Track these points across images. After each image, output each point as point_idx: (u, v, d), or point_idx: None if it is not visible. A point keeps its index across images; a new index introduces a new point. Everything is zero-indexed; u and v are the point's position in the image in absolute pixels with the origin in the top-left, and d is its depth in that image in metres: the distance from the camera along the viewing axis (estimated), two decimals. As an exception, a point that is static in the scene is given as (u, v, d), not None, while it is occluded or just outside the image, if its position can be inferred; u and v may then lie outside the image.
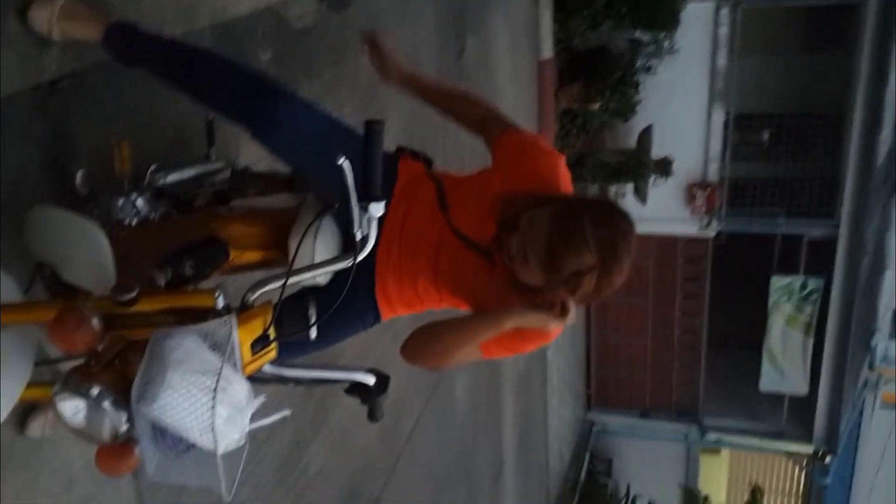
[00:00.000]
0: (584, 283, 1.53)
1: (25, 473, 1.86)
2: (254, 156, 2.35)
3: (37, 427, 1.85)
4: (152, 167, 1.99)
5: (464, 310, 1.84)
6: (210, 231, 1.88)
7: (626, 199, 9.30)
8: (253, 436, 2.83)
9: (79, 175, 1.78)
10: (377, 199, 1.44)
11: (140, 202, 1.86)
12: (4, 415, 1.30)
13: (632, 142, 9.18)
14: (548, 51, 7.63)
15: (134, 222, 1.84)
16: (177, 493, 2.39)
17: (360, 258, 1.46)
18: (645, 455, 11.38)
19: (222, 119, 1.88)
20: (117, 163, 1.88)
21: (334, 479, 3.57)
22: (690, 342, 10.86)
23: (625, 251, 1.56)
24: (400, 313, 1.92)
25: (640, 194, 9.27)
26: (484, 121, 1.87)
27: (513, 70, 6.53)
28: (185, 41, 1.92)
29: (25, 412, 1.84)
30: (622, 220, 1.60)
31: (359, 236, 1.44)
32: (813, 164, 9.37)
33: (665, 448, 11.31)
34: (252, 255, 1.99)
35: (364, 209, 1.43)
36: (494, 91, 6.05)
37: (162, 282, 1.58)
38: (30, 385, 1.36)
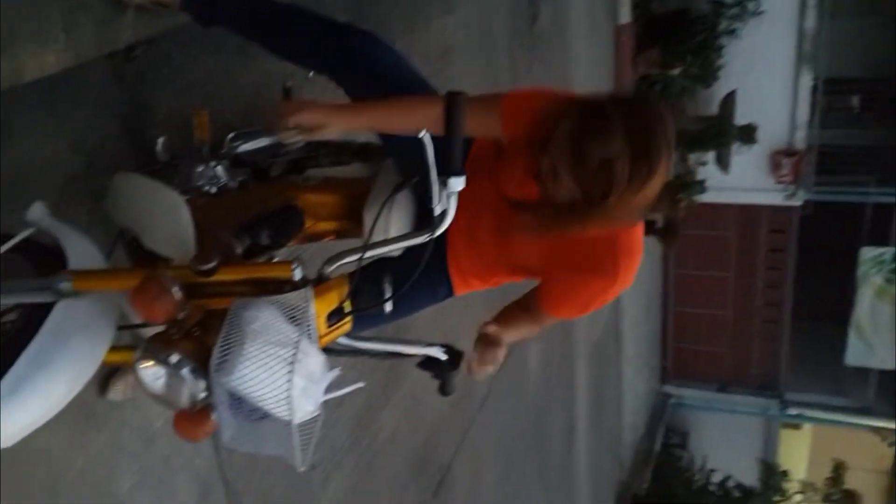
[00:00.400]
0: (616, 172, 1.37)
1: (107, 432, 1.95)
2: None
3: (118, 390, 1.93)
4: (230, 135, 2.03)
5: (537, 281, 1.83)
6: (286, 200, 1.91)
7: (708, 167, 9.06)
8: (328, 399, 2.91)
9: (159, 142, 1.83)
10: (458, 174, 1.39)
11: (219, 170, 1.90)
12: (88, 377, 1.36)
13: (714, 108, 8.89)
14: (625, 15, 7.43)
15: (213, 190, 1.89)
16: (253, 455, 2.48)
17: (437, 233, 1.44)
18: (723, 429, 11.17)
19: (305, 66, 1.88)
20: (196, 131, 1.92)
21: (406, 444, 3.63)
22: (773, 314, 10.56)
23: (660, 133, 1.40)
24: (474, 287, 1.91)
25: (723, 163, 9.00)
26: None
27: (588, 36, 6.39)
28: None
29: (107, 375, 1.92)
30: (654, 105, 1.46)
31: (437, 211, 1.41)
32: (907, 133, 8.92)
33: (744, 422, 11.08)
34: (326, 225, 2.02)
35: (444, 183, 1.39)
36: (569, 59, 5.93)
37: (239, 250, 1.63)
38: (112, 349, 1.41)
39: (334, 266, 1.45)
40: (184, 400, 1.29)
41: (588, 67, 6.47)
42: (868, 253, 9.44)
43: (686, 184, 8.77)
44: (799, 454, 12.41)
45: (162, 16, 1.91)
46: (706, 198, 9.04)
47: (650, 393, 10.81)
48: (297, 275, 1.37)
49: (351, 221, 1.97)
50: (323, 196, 2.00)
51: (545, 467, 6.03)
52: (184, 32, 2.09)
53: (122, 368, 1.92)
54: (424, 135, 1.34)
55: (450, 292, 1.91)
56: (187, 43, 2.12)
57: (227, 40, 2.24)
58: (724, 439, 11.00)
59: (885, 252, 9.27)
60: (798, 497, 10.55)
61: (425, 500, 3.87)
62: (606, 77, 7.23)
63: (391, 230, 1.78)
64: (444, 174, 1.38)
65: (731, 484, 9.62)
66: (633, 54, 7.71)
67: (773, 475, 10.09)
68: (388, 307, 1.62)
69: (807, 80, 8.88)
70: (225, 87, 2.27)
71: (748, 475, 9.92)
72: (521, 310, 1.88)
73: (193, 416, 1.32)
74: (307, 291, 1.33)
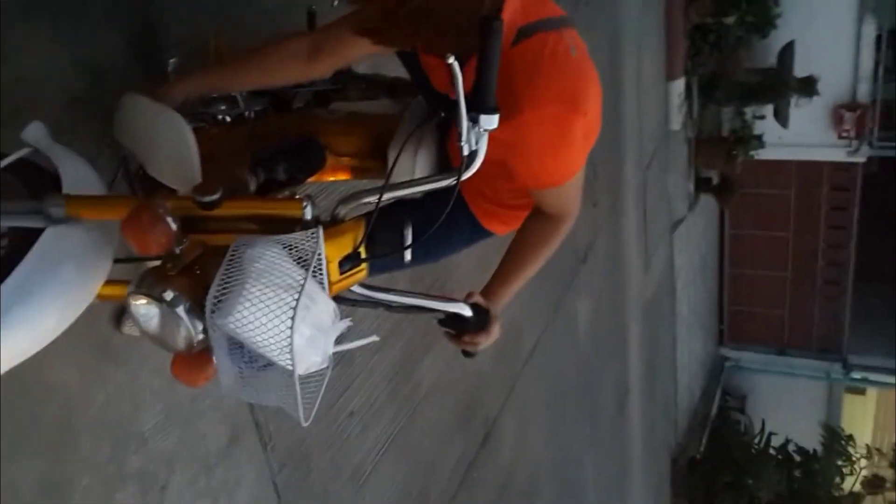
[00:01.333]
0: None
1: (127, 369, 1.89)
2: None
3: (132, 325, 1.86)
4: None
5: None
6: (307, 134, 1.81)
7: (766, 122, 8.73)
8: (364, 347, 2.84)
9: (170, 64, 1.75)
10: (490, 111, 1.22)
11: (236, 97, 1.82)
12: (81, 309, 1.29)
13: (771, 60, 8.55)
14: (677, -38, 7.14)
15: (228, 119, 1.80)
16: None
17: (466, 176, 1.28)
18: (782, 393, 10.90)
19: None
20: (212, 56, 1.84)
21: (448, 395, 3.55)
22: (835, 275, 10.23)
23: None
24: (499, 217, 1.73)
25: (781, 117, 8.67)
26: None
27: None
28: None
29: (122, 309, 1.85)
30: None
31: (466, 151, 1.24)
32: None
33: (805, 386, 10.80)
34: (349, 163, 1.91)
35: (475, 121, 1.22)
36: (618, 5, 5.71)
37: (253, 185, 1.52)
38: (109, 283, 1.34)
39: (350, 207, 1.33)
40: (180, 341, 1.21)
41: (638, 13, 6.23)
42: (934, 211, 9.04)
43: (742, 138, 8.47)
44: (863, 419, 12.05)
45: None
46: (764, 154, 8.74)
47: (706, 355, 10.59)
48: (309, 213, 1.26)
49: (376, 160, 1.84)
50: (348, 132, 1.88)
51: (597, 426, 5.92)
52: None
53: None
54: (453, 61, 1.20)
55: (478, 227, 1.74)
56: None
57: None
58: (783, 403, 10.74)
59: (953, 209, 8.84)
60: (864, 462, 10.22)
61: (472, 452, 3.79)
62: (657, 25, 6.96)
63: (416, 171, 1.66)
64: (475, 110, 1.22)
65: (791, 448, 9.36)
66: (685, 2, 7.41)
67: (837, 439, 9.79)
68: (409, 256, 1.51)
69: (870, 31, 8.48)
70: (244, 7, 2.17)
71: (809, 440, 9.65)
72: (519, 243, 1.69)
73: (192, 359, 1.24)
74: (318, 232, 1.22)
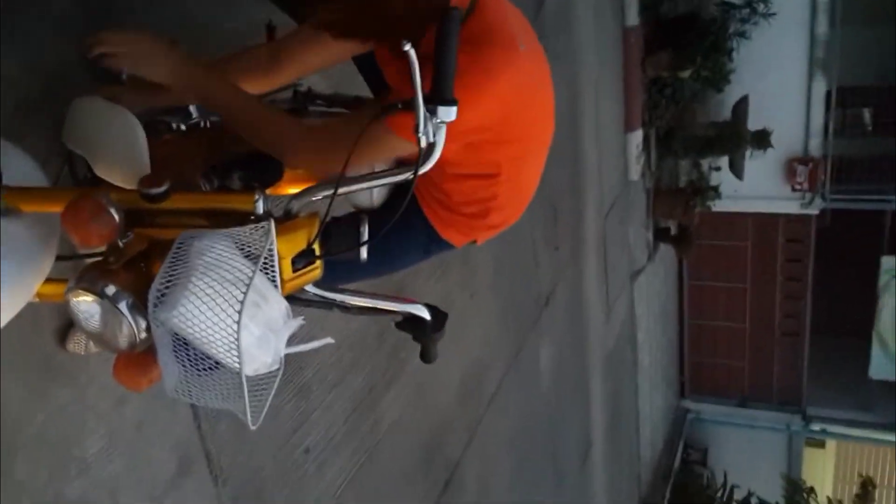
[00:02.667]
0: None
1: (71, 388, 1.79)
2: (318, 76, 2.24)
3: (77, 342, 1.77)
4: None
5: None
6: None
7: (722, 174, 8.92)
8: (322, 378, 2.75)
9: (123, 70, 1.70)
10: (448, 102, 1.18)
11: (191, 106, 1.77)
12: (18, 308, 1.21)
13: (725, 113, 8.78)
14: (634, 16, 7.33)
15: (182, 127, 1.75)
16: (240, 424, 2.32)
17: (423, 170, 1.24)
18: (743, 445, 10.89)
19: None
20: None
21: (410, 434, 3.45)
22: (793, 327, 10.35)
23: None
24: (455, 226, 1.67)
25: (736, 169, 8.88)
26: None
27: (596, 34, 6.28)
28: None
29: (67, 325, 1.76)
30: None
31: (423, 143, 1.20)
32: (925, 139, 8.78)
33: (766, 438, 10.80)
34: (307, 174, 1.87)
35: (432, 112, 1.18)
36: (575, 55, 5.83)
37: (205, 190, 1.48)
38: (51, 281, 1.27)
39: (304, 202, 1.29)
40: (122, 339, 1.14)
41: (598, 67, 6.36)
42: (889, 262, 9.27)
43: (699, 190, 8.63)
44: (823, 471, 12.06)
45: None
46: (721, 206, 8.91)
47: (668, 407, 10.57)
48: (260, 207, 1.21)
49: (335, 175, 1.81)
50: None
51: (559, 476, 5.82)
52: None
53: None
54: (409, 48, 1.17)
55: (434, 235, 1.67)
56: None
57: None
58: (745, 455, 10.72)
59: (906, 259, 9.04)
60: (824, 513, 10.23)
61: (433, 498, 3.68)
62: (615, 77, 7.12)
63: (375, 167, 1.62)
64: (433, 101, 1.19)
65: (754, 501, 9.33)
66: (642, 56, 7.61)
67: (798, 492, 9.79)
68: (365, 253, 1.47)
69: (820, 87, 8.78)
70: (205, 29, 2.14)
71: (772, 492, 9.62)
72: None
73: (135, 361, 1.17)
74: (270, 225, 1.17)
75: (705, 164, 8.78)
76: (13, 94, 1.65)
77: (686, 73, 7.79)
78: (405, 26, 1.30)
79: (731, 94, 8.56)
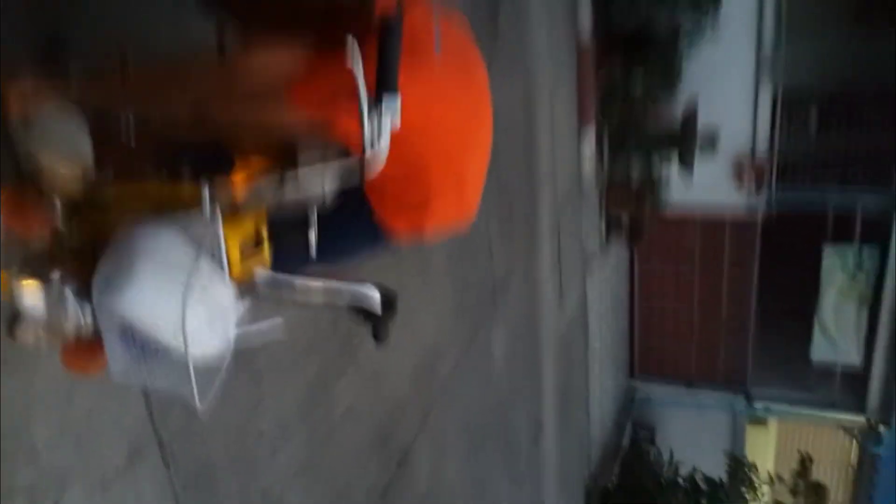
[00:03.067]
0: None
1: (18, 378, 1.78)
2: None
3: (26, 331, 1.76)
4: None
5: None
6: (217, 137, 1.78)
7: (672, 169, 9.12)
8: (275, 365, 2.77)
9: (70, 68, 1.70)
10: (390, 91, 1.21)
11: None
12: None
13: (676, 115, 8.98)
14: (586, 30, 7.47)
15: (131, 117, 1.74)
16: (193, 412, 2.34)
17: (369, 155, 1.28)
18: (690, 425, 11.19)
19: None
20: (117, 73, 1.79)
21: (363, 421, 3.50)
22: (738, 312, 10.63)
23: None
24: (407, 220, 1.72)
25: (686, 165, 9.08)
26: None
27: (549, 35, 6.36)
28: None
29: (15, 314, 1.76)
30: None
31: (367, 133, 1.24)
32: (866, 138, 9.11)
33: (711, 417, 11.11)
34: (259, 165, 1.88)
35: (376, 101, 1.22)
36: (530, 57, 5.89)
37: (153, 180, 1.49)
38: None
39: (252, 191, 1.31)
40: (68, 325, 1.15)
41: (552, 65, 6.45)
42: (832, 252, 9.59)
43: (650, 183, 8.82)
44: (766, 449, 12.47)
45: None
46: (669, 200, 9.13)
47: (618, 389, 10.79)
48: (206, 195, 1.23)
49: (289, 165, 1.83)
50: (258, 136, 1.87)
51: (511, 457, 5.93)
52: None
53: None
54: (354, 44, 1.21)
55: (377, 226, 1.68)
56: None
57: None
58: (691, 435, 11.02)
59: (848, 251, 9.44)
60: (766, 489, 10.58)
61: (386, 478, 3.74)
62: (570, 75, 7.24)
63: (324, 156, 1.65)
64: (378, 90, 1.22)
65: (698, 477, 9.62)
66: (595, 64, 7.75)
67: (740, 468, 10.13)
68: (312, 238, 1.49)
69: (767, 90, 9.05)
70: (151, 44, 2.13)
71: (716, 469, 9.94)
72: None
73: (82, 347, 1.19)
74: (215, 210, 1.19)
75: (656, 159, 8.95)
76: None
77: (637, 77, 8.00)
78: (329, 20, 1.37)
79: (682, 96, 8.79)
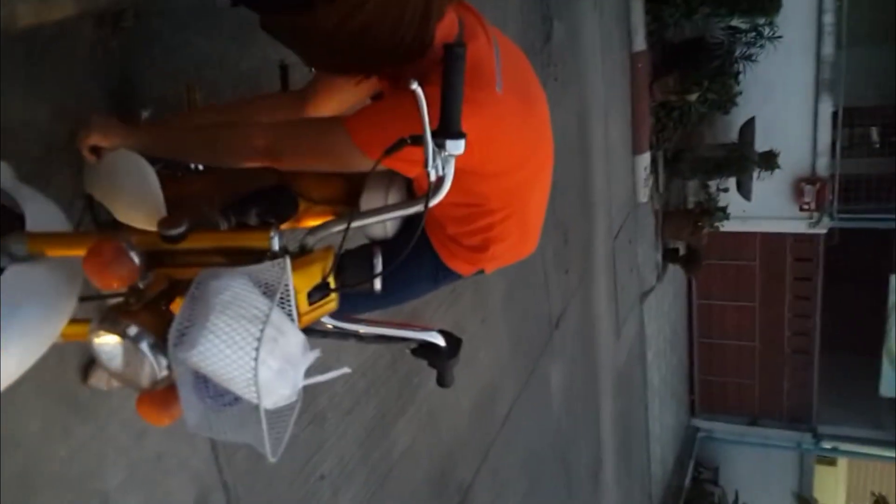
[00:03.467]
0: None
1: (93, 423, 1.83)
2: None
3: (100, 377, 1.81)
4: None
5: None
6: (280, 180, 1.82)
7: (730, 194, 8.96)
8: (336, 406, 2.79)
9: (143, 115, 1.76)
10: (456, 136, 1.22)
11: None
12: (42, 350, 1.25)
13: (733, 135, 8.83)
14: (640, 42, 7.39)
15: (200, 167, 1.80)
16: (257, 454, 2.36)
17: (433, 202, 1.27)
18: (754, 463, 10.85)
19: None
20: (185, 106, 1.86)
21: (422, 459, 3.48)
22: (802, 345, 10.34)
23: None
24: (458, 255, 1.71)
25: (744, 190, 8.91)
26: None
27: (603, 60, 6.35)
28: None
29: (90, 361, 1.81)
30: None
31: (432, 177, 1.24)
32: (933, 157, 8.83)
33: (776, 456, 10.76)
34: (323, 209, 1.92)
35: (440, 146, 1.22)
36: (583, 80, 5.89)
37: (224, 228, 1.52)
38: (74, 322, 1.30)
39: (318, 236, 1.32)
40: (144, 378, 1.17)
41: (605, 91, 6.42)
42: (898, 281, 9.27)
43: (707, 211, 8.66)
44: (836, 490, 12.00)
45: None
46: (729, 226, 8.92)
47: (679, 426, 10.54)
48: (276, 244, 1.24)
49: (350, 207, 1.86)
50: (322, 178, 1.89)
51: (570, 495, 5.82)
52: (177, 12, 2.05)
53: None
54: (416, 87, 1.22)
55: (441, 266, 1.72)
56: (182, 23, 2.06)
57: (225, 24, 2.20)
58: (756, 474, 10.68)
59: (917, 278, 9.07)
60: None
61: (445, 521, 3.71)
62: (623, 101, 7.18)
63: (389, 198, 1.67)
64: (441, 136, 1.23)
65: (765, 520, 9.30)
66: (649, 80, 7.67)
67: (810, 510, 9.76)
68: (378, 285, 1.50)
69: (827, 107, 8.82)
70: (219, 70, 2.20)
71: (783, 511, 9.60)
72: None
73: (157, 398, 1.20)
74: (285, 261, 1.20)
75: (713, 185, 8.80)
76: (41, 140, 1.70)
77: (693, 97, 7.83)
78: (391, 61, 1.40)
79: (739, 116, 8.60)
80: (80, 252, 1.18)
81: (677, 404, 10.41)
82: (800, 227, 9.41)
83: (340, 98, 1.72)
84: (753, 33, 8.17)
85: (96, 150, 1.49)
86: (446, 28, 1.43)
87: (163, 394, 1.19)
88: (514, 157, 1.52)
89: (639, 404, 8.26)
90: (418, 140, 1.23)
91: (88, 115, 1.51)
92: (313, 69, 1.75)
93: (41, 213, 1.29)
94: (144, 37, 1.95)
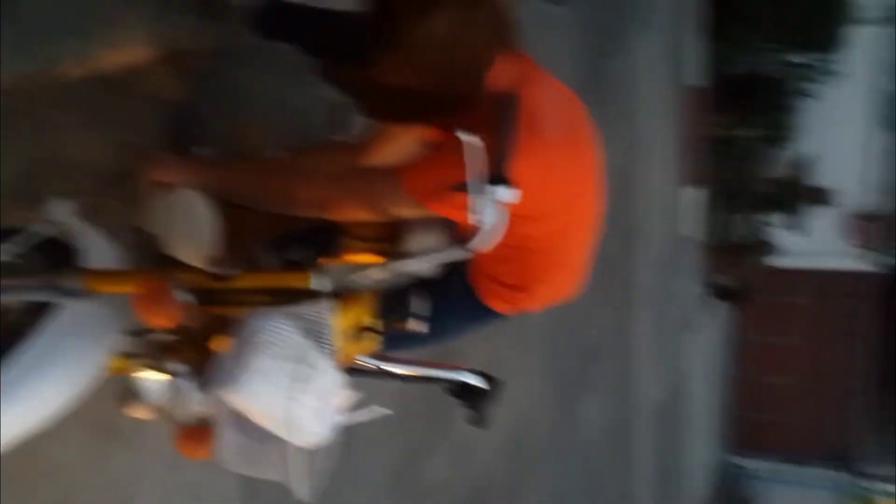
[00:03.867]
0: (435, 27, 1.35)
1: (129, 452, 1.88)
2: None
3: (137, 406, 1.86)
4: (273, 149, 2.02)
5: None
6: (324, 219, 1.86)
7: (781, 230, 8.82)
8: (367, 439, 2.80)
9: (202, 151, 1.81)
10: (505, 185, 1.21)
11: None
12: (88, 383, 1.29)
13: (786, 170, 8.70)
14: (693, 76, 7.35)
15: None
16: (283, 490, 2.39)
17: (477, 248, 1.28)
18: (794, 502, 10.59)
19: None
20: (240, 143, 1.91)
21: (453, 493, 3.48)
22: (847, 384, 10.09)
23: None
24: (500, 295, 1.71)
25: (796, 226, 8.77)
26: None
27: (654, 93, 6.32)
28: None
29: (128, 390, 1.86)
30: None
31: (478, 224, 1.23)
32: None
33: (816, 495, 10.49)
34: (367, 247, 1.95)
35: (488, 194, 1.22)
36: (635, 113, 5.87)
37: (267, 264, 1.56)
38: (120, 356, 1.35)
39: (361, 276, 1.35)
40: (184, 413, 1.22)
41: (659, 124, 6.39)
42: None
43: (756, 246, 8.54)
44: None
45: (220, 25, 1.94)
46: (779, 262, 8.77)
47: (717, 463, 10.34)
48: (317, 284, 1.28)
49: (395, 245, 1.89)
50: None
51: (602, 532, 5.76)
52: (236, 54, 2.11)
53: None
54: (466, 136, 1.24)
55: (481, 307, 1.73)
56: (240, 64, 2.13)
57: (279, 66, 2.25)
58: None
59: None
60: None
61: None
62: (673, 134, 7.12)
63: (432, 242, 1.69)
64: (490, 184, 1.23)
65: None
66: (701, 114, 7.61)
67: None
68: (420, 325, 1.52)
69: (883, 144, 8.63)
70: (275, 110, 2.26)
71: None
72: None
73: (194, 432, 1.24)
74: (327, 303, 1.24)
75: (763, 220, 8.67)
76: (97, 177, 1.76)
77: (746, 131, 7.76)
78: (445, 110, 1.43)
79: (795, 149, 8.49)
80: (130, 289, 1.23)
81: (717, 440, 10.23)
82: (852, 263, 9.23)
83: (396, 147, 1.76)
84: (810, 68, 8.06)
85: (157, 185, 1.54)
86: (498, 75, 1.46)
87: (200, 428, 1.23)
88: (560, 202, 1.54)
89: (677, 440, 8.14)
90: (466, 188, 1.26)
91: (151, 151, 1.57)
92: (370, 118, 1.79)
93: (96, 250, 1.34)
94: (205, 75, 2.01)
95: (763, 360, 10.47)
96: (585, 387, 5.14)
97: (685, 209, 7.57)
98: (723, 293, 8.90)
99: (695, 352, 8.48)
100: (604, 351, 5.45)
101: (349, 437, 2.58)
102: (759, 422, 10.72)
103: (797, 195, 8.42)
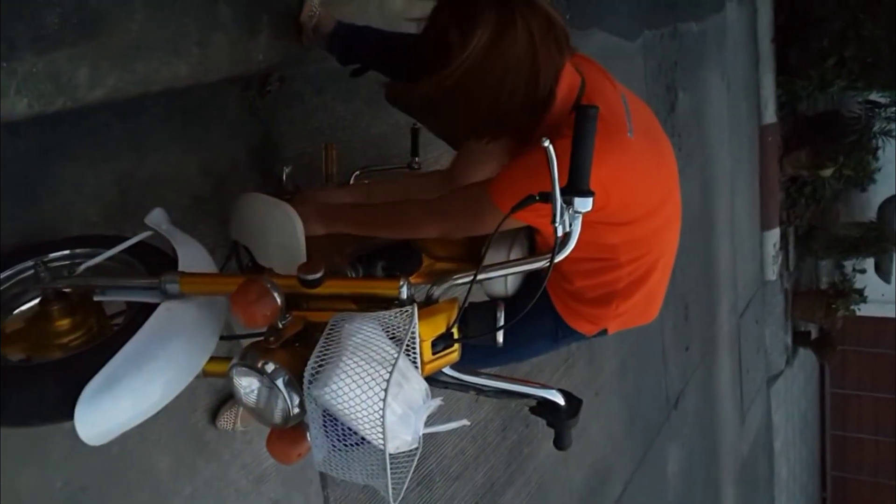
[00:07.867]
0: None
1: (216, 464, 1.90)
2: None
3: (227, 419, 1.90)
4: (356, 172, 2.07)
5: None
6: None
7: (868, 276, 8.45)
8: (445, 470, 2.76)
9: (285, 172, 1.86)
10: (585, 194, 1.24)
11: (343, 202, 1.90)
12: (185, 382, 1.32)
13: (871, 214, 8.37)
14: (771, 114, 7.20)
15: None
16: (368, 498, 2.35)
17: (559, 258, 1.27)
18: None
19: None
20: (324, 165, 1.96)
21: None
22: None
23: None
24: (581, 314, 1.72)
25: (883, 272, 8.40)
26: None
27: (730, 132, 6.21)
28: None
29: (218, 403, 1.89)
30: None
31: (559, 233, 1.24)
32: None
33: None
34: (445, 266, 1.96)
35: (568, 203, 1.23)
36: (709, 153, 5.77)
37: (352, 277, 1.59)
38: (214, 359, 1.38)
39: (444, 288, 1.36)
40: (277, 414, 1.23)
41: (731, 164, 6.27)
42: None
43: (842, 292, 8.19)
44: None
45: (291, 47, 1.98)
46: (866, 310, 8.38)
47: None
48: (404, 293, 1.29)
49: (472, 264, 1.89)
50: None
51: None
52: (317, 77, 2.17)
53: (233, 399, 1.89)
54: (548, 144, 1.24)
55: (562, 325, 1.73)
56: (321, 88, 2.19)
57: (360, 90, 2.31)
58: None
59: None
60: None
61: None
62: (751, 175, 6.97)
63: (511, 256, 1.69)
64: (570, 192, 1.24)
65: None
66: (780, 154, 7.43)
67: None
68: (500, 338, 1.51)
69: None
70: (354, 132, 2.31)
71: None
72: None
73: (287, 435, 1.25)
74: (413, 310, 1.25)
75: (849, 265, 8.34)
76: (190, 192, 1.84)
77: (827, 172, 7.52)
78: (511, 120, 1.46)
79: (877, 194, 8.18)
80: (227, 291, 1.26)
81: (806, 500, 9.68)
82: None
83: (484, 168, 1.77)
84: (894, 108, 7.81)
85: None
86: (567, 82, 1.45)
87: (292, 431, 1.24)
88: (647, 203, 1.53)
89: (763, 497, 7.74)
90: (547, 197, 1.25)
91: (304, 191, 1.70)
92: (438, 135, 1.82)
93: (192, 255, 1.39)
94: (286, 99, 2.09)
95: (855, 415, 9.94)
96: (667, 433, 4.96)
97: (768, 252, 7.35)
98: (806, 341, 8.54)
99: (782, 402, 8.12)
100: (685, 396, 5.27)
101: (427, 467, 2.59)
102: (855, 482, 10.13)
103: (883, 240, 8.08)
